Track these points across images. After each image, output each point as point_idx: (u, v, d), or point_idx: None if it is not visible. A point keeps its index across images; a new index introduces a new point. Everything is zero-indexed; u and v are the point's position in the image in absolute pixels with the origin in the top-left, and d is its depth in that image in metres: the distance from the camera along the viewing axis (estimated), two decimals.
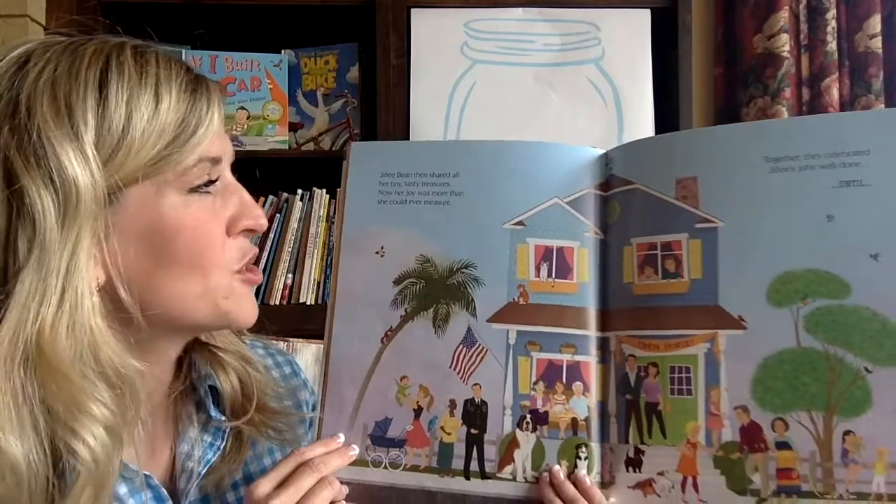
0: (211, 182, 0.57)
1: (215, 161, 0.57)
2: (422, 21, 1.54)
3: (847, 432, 0.59)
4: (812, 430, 0.60)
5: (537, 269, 0.69)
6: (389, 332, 0.70)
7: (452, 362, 0.68)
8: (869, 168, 0.61)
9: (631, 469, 0.64)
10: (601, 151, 0.72)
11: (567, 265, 0.69)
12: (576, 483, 0.63)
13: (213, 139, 0.57)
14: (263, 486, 0.59)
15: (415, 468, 0.68)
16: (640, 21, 1.55)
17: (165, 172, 0.54)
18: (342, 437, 0.68)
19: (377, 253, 0.72)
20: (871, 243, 0.60)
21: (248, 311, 0.61)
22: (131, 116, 0.52)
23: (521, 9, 1.55)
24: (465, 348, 0.68)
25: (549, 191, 0.70)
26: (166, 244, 0.55)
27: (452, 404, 0.68)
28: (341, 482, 0.66)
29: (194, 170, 0.55)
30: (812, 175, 0.62)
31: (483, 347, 0.68)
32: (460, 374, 0.68)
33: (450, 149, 0.74)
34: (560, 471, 0.64)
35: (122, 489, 0.58)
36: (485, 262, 0.70)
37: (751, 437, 0.61)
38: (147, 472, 0.60)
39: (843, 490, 0.59)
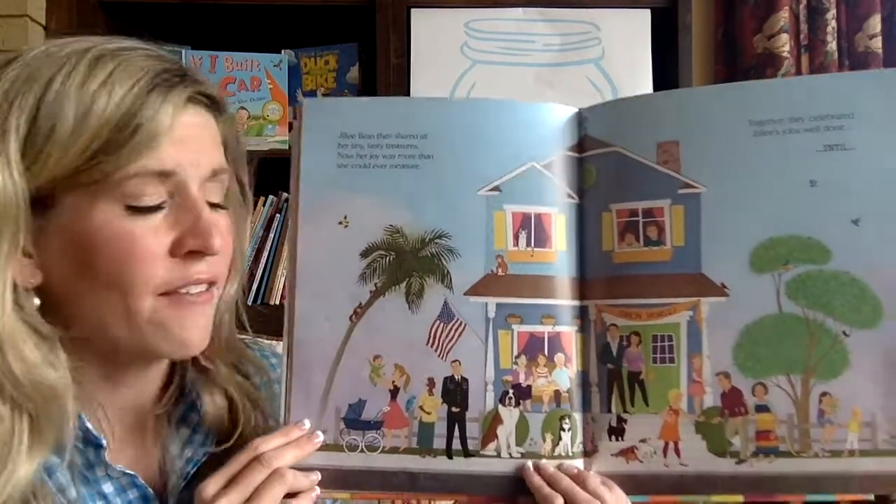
0: (152, 195, 0.55)
1: (163, 174, 0.55)
2: (422, 21, 1.56)
3: (823, 394, 0.62)
4: (790, 393, 0.63)
5: (515, 237, 0.67)
6: (359, 310, 0.68)
7: (429, 339, 0.67)
8: (853, 131, 0.62)
9: (613, 438, 0.65)
10: (574, 110, 0.70)
11: (545, 233, 0.68)
12: (566, 473, 0.63)
13: (168, 149, 0.55)
14: (211, 486, 0.57)
15: (394, 450, 0.67)
16: (640, 21, 1.56)
17: (100, 181, 0.53)
18: (307, 424, 0.65)
19: (340, 223, 0.68)
20: (853, 209, 0.62)
21: (178, 337, 0.58)
22: (58, 119, 0.51)
23: (521, 9, 1.57)
24: (441, 324, 0.67)
25: (525, 153, 0.68)
26: (90, 256, 0.54)
27: (431, 383, 0.67)
28: (315, 469, 0.64)
29: (133, 181, 0.54)
30: (796, 139, 0.63)
31: (461, 322, 0.67)
32: (438, 351, 0.67)
33: (415, 107, 0.69)
34: (549, 464, 0.63)
35: (108, 488, 0.58)
36: (459, 231, 0.67)
37: (732, 402, 0.63)
38: (131, 472, 0.60)
39: (818, 449, 0.62)
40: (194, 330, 0.59)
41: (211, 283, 0.60)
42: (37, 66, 0.53)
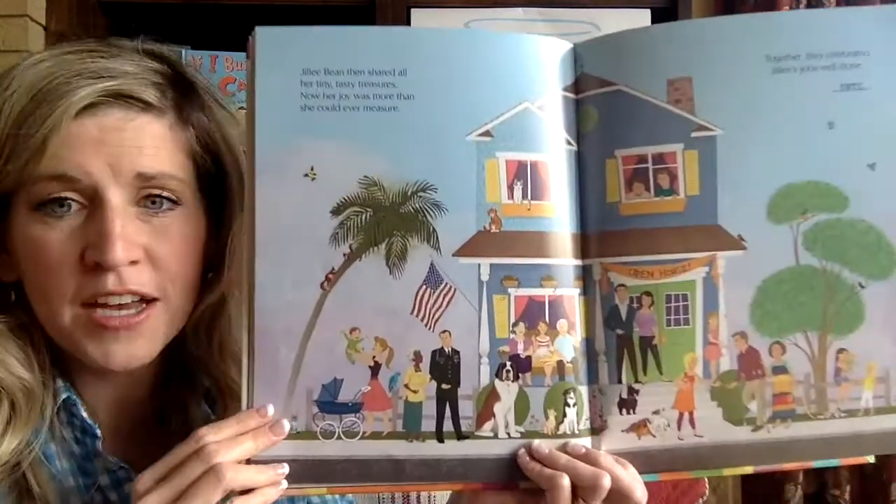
0: (56, 201, 0.57)
1: (64, 179, 0.56)
2: (422, 21, 1.58)
3: (840, 350, 0.60)
4: (807, 351, 0.59)
5: (510, 189, 0.60)
6: (331, 276, 0.59)
7: (414, 307, 0.59)
8: (869, 70, 0.59)
9: (624, 411, 0.60)
10: (568, 45, 0.63)
11: (543, 183, 0.61)
12: (573, 454, 0.58)
13: (66, 153, 0.56)
14: (145, 478, 0.52)
15: (376, 435, 0.59)
16: (639, 21, 1.59)
17: (17, 188, 0.57)
18: (270, 410, 0.57)
19: (306, 175, 0.59)
20: (868, 152, 0.60)
21: (92, 354, 0.59)
22: None
23: (521, 9, 1.60)
24: (428, 289, 0.59)
25: (518, 93, 0.61)
26: (21, 261, 0.59)
27: (417, 357, 0.59)
28: (281, 461, 0.56)
29: (37, 187, 0.56)
30: (814, 77, 0.59)
31: (450, 287, 0.59)
32: (425, 321, 0.59)
33: (392, 38, 0.61)
34: (542, 444, 0.58)
35: (105, 480, 0.60)
36: (446, 182, 0.59)
37: (749, 363, 0.60)
38: (126, 465, 0.61)
39: (834, 409, 0.60)
40: (115, 353, 0.59)
41: (144, 300, 0.59)
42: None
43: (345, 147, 0.59)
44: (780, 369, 0.60)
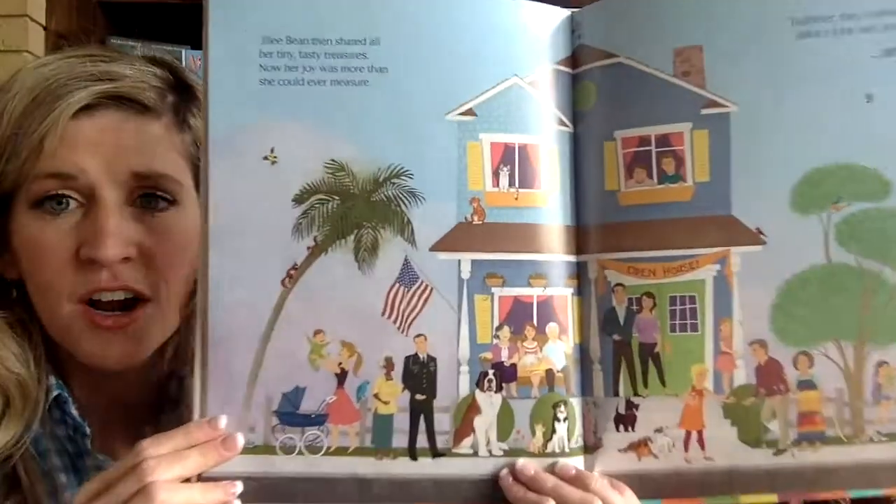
0: (55, 198, 0.58)
1: (61, 177, 0.58)
2: None
3: (881, 363, 0.52)
4: (840, 364, 0.51)
5: (495, 175, 0.54)
6: (293, 272, 0.53)
7: (385, 308, 0.53)
8: None
9: (622, 428, 0.53)
10: (565, 13, 0.56)
11: (533, 169, 0.54)
12: (563, 475, 0.51)
13: (63, 153, 0.58)
14: (82, 494, 0.49)
15: (342, 451, 0.53)
16: None
17: (17, 187, 0.59)
18: (222, 422, 0.51)
19: (266, 159, 0.53)
20: None
21: (87, 351, 0.60)
22: None
23: None
24: (401, 288, 0.53)
25: (505, 66, 0.54)
26: (21, 259, 0.61)
27: (388, 364, 0.53)
28: (235, 479, 0.51)
29: (36, 185, 0.58)
30: (849, 42, 0.51)
31: (426, 285, 0.53)
32: (397, 323, 0.53)
33: (362, 2, 0.54)
34: (528, 464, 0.51)
35: None
36: (423, 167, 0.53)
37: (769, 377, 0.52)
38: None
39: (872, 432, 0.52)
40: (108, 352, 0.60)
41: (139, 297, 0.60)
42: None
43: (309, 127, 0.53)
44: (806, 384, 0.52)
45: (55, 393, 0.60)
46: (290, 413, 0.53)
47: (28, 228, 0.59)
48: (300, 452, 0.53)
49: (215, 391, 0.53)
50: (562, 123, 0.55)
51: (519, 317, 0.53)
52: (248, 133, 0.53)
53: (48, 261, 0.58)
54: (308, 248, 0.53)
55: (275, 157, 0.53)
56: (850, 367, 0.51)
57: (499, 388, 0.53)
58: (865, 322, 0.51)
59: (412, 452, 0.53)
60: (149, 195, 0.61)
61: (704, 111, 0.52)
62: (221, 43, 0.53)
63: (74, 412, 0.61)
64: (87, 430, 0.61)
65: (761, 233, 0.52)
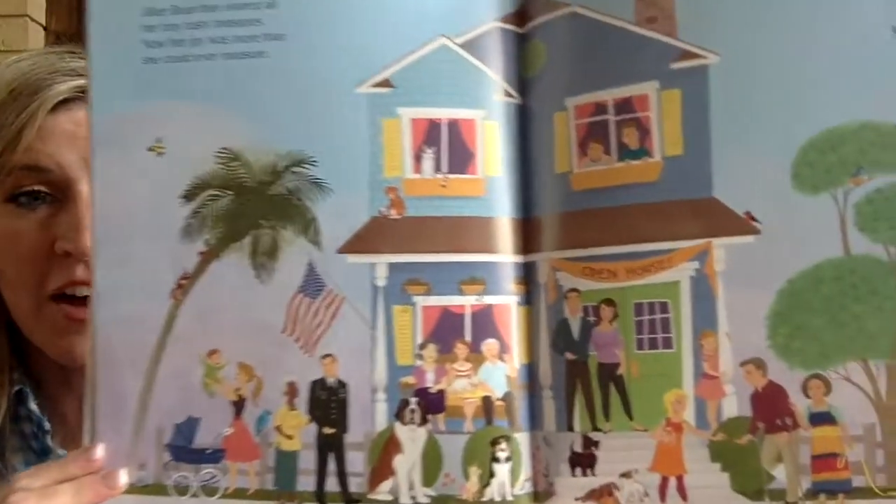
0: (28, 193, 0.59)
1: (37, 170, 0.58)
2: None
3: None
4: (869, 391, 0.39)
5: (417, 158, 0.44)
6: (184, 281, 0.46)
7: (287, 323, 0.44)
8: None
9: (579, 471, 0.42)
10: None
11: (466, 149, 0.45)
12: None
13: (39, 146, 0.58)
14: None
15: (241, 493, 0.45)
16: None
17: None
18: (98, 452, 0.45)
19: (151, 150, 0.46)
20: None
21: (60, 346, 0.60)
22: None
23: None
24: (305, 299, 0.44)
25: (430, 24, 0.45)
26: None
27: (291, 390, 0.45)
28: None
29: (11, 178, 0.58)
30: None
31: (335, 296, 0.44)
32: (301, 341, 0.44)
33: None
34: None
35: None
36: (330, 152, 0.45)
37: (770, 408, 0.40)
38: None
39: None
40: (81, 346, 0.55)
41: None
42: None
43: (198, 110, 0.46)
44: (822, 417, 0.39)
45: (17, 388, 0.61)
46: (184, 448, 0.46)
47: (2, 222, 0.59)
48: (194, 494, 0.45)
49: (105, 418, 0.46)
50: (506, 94, 0.46)
51: (447, 332, 0.43)
52: (133, 121, 0.46)
53: (22, 254, 0.58)
54: (199, 252, 0.45)
55: (161, 147, 0.46)
56: (882, 394, 0.39)
57: (423, 421, 0.43)
58: None
59: (320, 498, 0.44)
60: None
61: (675, 65, 0.41)
62: (101, 17, 0.47)
63: (34, 407, 0.61)
64: (47, 425, 0.61)
65: (753, 218, 0.40)
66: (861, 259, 0.38)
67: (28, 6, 1.31)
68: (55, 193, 0.59)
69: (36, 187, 0.59)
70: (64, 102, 0.59)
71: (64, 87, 0.59)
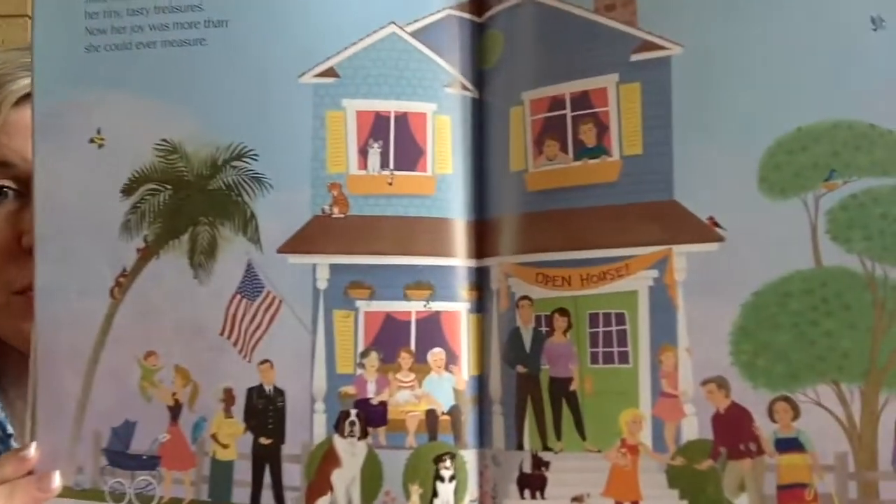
0: None
1: (2, 165, 0.58)
2: None
3: None
4: (842, 417, 0.35)
5: (363, 153, 0.42)
6: (122, 279, 0.44)
7: (225, 326, 0.42)
8: None
9: (528, 493, 0.39)
10: None
11: (416, 145, 0.42)
12: None
13: (5, 141, 0.57)
14: None
15: (175, 503, 0.43)
16: None
17: None
18: (30, 451, 0.44)
19: (92, 141, 0.44)
20: None
21: (20, 330, 0.57)
22: None
23: None
24: (243, 300, 0.42)
25: (379, 11, 0.42)
26: None
27: (228, 396, 0.42)
28: None
29: None
30: None
31: (274, 298, 0.42)
32: (238, 345, 0.42)
33: None
34: None
35: None
36: (270, 145, 0.42)
37: (732, 431, 0.36)
38: None
39: None
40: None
41: None
42: None
43: (137, 100, 0.43)
44: (789, 444, 0.36)
45: None
46: (120, 453, 0.44)
47: None
48: (130, 501, 0.43)
49: (45, 418, 0.45)
50: (461, 87, 0.43)
51: (391, 340, 0.41)
52: (73, 111, 0.44)
53: None
54: (138, 249, 0.44)
55: (101, 138, 0.44)
56: (855, 420, 0.35)
57: (363, 434, 0.41)
58: (879, 354, 0.35)
59: None
60: None
61: (636, 57, 0.38)
62: (46, 2, 0.45)
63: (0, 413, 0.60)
64: (10, 429, 0.60)
65: (717, 224, 0.36)
66: (833, 271, 0.35)
67: (28, 6, 1.30)
68: (21, 188, 0.57)
69: (1, 182, 0.58)
70: (28, 97, 0.58)
71: (28, 80, 0.57)
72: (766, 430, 0.36)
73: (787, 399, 0.36)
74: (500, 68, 0.42)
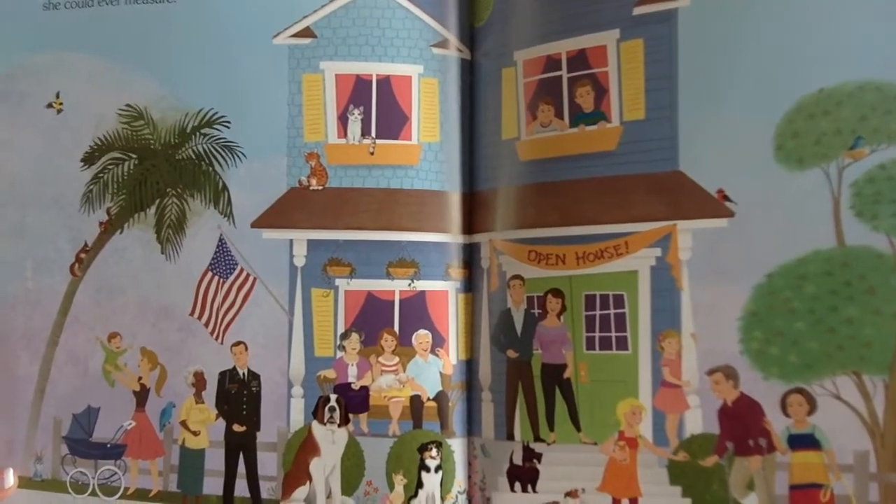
0: None
1: None
2: None
3: None
4: (863, 412, 0.32)
5: (342, 120, 0.39)
6: (83, 255, 0.41)
7: (195, 305, 0.40)
8: None
9: (518, 486, 0.37)
10: None
11: (400, 111, 0.39)
12: None
13: None
14: None
15: (142, 495, 0.41)
16: None
17: None
18: None
19: (51, 106, 0.41)
20: None
21: None
22: None
23: None
24: (215, 278, 0.39)
25: None
26: None
27: (198, 380, 0.40)
28: None
29: None
30: None
31: (248, 276, 0.39)
32: (210, 326, 0.40)
33: None
34: None
35: None
36: (244, 111, 0.39)
37: (740, 425, 0.34)
38: None
39: None
40: None
41: None
42: None
43: (99, 62, 0.40)
44: (803, 440, 0.33)
45: None
46: (83, 441, 0.41)
47: None
48: (93, 492, 0.41)
49: (1, 406, 0.42)
50: (449, 46, 0.40)
51: (373, 321, 0.38)
52: (29, 74, 0.41)
53: None
54: (100, 223, 0.41)
55: (60, 103, 0.41)
56: (878, 416, 0.32)
57: (344, 420, 0.38)
58: None
59: (228, 502, 0.39)
60: None
61: (639, 10, 0.34)
62: None
63: None
64: None
65: (726, 198, 0.33)
66: (857, 251, 0.32)
67: None
68: None
69: None
70: None
71: None
72: (777, 424, 0.33)
73: (801, 391, 0.33)
74: (492, 26, 0.39)
